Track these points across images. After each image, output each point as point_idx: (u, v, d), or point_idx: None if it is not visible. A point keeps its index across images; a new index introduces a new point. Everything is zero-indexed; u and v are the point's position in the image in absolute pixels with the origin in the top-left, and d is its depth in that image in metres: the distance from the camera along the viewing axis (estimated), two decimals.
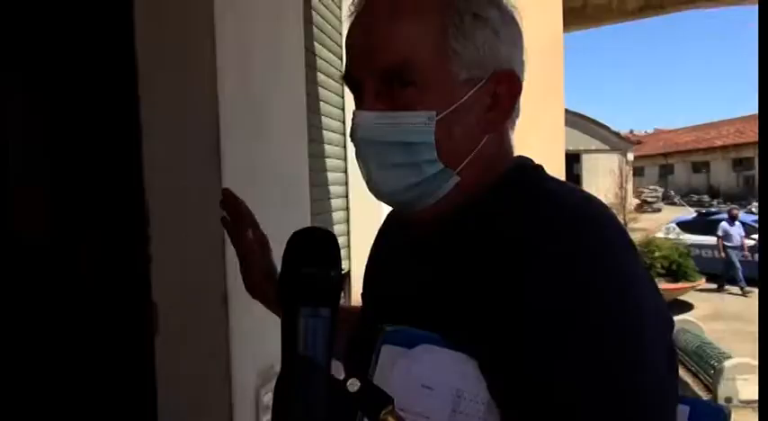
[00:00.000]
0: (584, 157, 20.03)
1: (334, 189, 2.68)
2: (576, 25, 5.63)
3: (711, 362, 5.16)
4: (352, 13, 0.64)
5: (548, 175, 0.65)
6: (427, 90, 0.60)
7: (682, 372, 4.62)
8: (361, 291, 0.78)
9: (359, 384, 0.44)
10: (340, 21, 2.74)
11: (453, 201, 0.62)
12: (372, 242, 0.81)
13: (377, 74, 0.60)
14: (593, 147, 20.26)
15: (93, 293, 1.39)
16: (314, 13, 2.32)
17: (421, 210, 0.63)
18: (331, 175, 2.60)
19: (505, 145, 0.66)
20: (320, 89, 2.42)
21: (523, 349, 0.51)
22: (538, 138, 3.85)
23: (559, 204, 0.58)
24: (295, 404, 0.42)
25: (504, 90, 0.62)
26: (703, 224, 11.01)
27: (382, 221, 0.81)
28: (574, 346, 0.50)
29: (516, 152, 0.67)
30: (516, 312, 0.51)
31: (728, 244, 9.52)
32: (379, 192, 0.63)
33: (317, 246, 0.48)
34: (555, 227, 0.54)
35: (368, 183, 0.63)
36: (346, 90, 2.61)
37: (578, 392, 0.49)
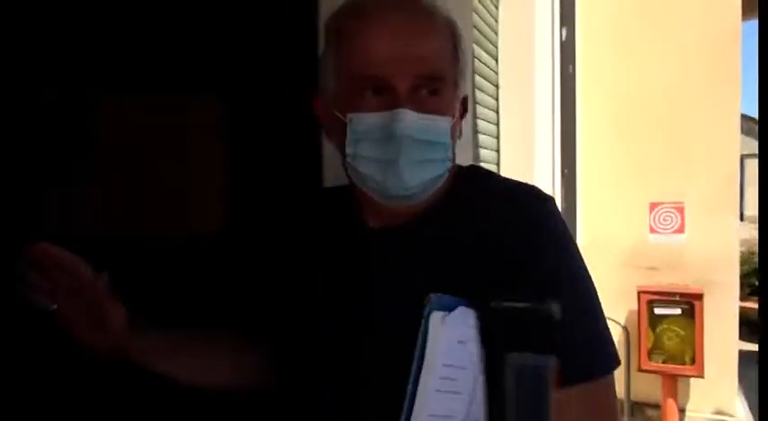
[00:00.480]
0: (747, 162, 17.92)
1: None
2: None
3: None
4: (362, 22, 0.71)
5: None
6: (446, 98, 0.73)
7: None
8: None
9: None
10: (497, 21, 2.67)
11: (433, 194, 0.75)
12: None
13: (413, 80, 0.70)
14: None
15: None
16: (474, 15, 2.28)
17: (413, 203, 0.74)
18: None
19: None
20: (477, 92, 2.38)
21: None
22: (707, 142, 3.47)
23: (526, 191, 0.78)
24: None
25: (461, 108, 0.78)
26: None
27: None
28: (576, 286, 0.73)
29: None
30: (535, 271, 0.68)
31: None
32: (401, 182, 0.70)
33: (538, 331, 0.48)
34: (536, 208, 0.75)
35: (390, 174, 0.70)
36: (501, 93, 2.53)
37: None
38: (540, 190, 0.77)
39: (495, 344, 0.47)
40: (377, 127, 0.70)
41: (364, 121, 0.71)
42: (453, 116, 0.73)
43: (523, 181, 0.79)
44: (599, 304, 0.74)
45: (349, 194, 0.80)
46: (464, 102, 0.79)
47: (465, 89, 0.78)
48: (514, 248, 0.70)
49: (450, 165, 0.73)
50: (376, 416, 0.68)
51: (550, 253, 0.71)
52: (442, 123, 0.71)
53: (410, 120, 0.68)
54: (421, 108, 0.70)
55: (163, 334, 0.82)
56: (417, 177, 0.70)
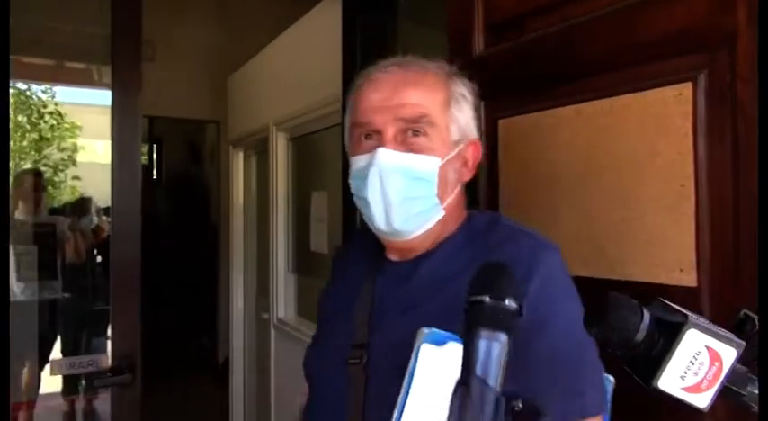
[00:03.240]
0: None
1: None
2: None
3: None
4: (366, 80, 0.83)
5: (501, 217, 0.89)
6: (433, 141, 0.79)
7: None
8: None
9: (521, 405, 0.48)
10: None
11: (435, 234, 0.82)
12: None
13: (399, 123, 0.78)
14: None
15: None
16: None
17: (410, 239, 0.81)
18: None
19: (464, 195, 0.88)
20: None
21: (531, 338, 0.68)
22: None
23: (532, 236, 0.81)
24: (470, 406, 0.47)
25: (470, 154, 0.85)
26: None
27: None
28: (557, 333, 0.73)
29: None
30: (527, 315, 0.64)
31: None
32: (389, 217, 0.78)
33: (501, 278, 0.54)
34: (540, 252, 0.76)
35: (377, 209, 0.78)
36: None
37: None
38: (543, 239, 0.80)
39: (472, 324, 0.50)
40: (364, 166, 0.79)
41: (356, 162, 0.81)
42: (443, 157, 0.79)
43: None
44: (593, 350, 0.74)
45: None
46: (473, 145, 0.85)
47: (474, 133, 0.85)
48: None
49: (436, 201, 0.79)
50: None
51: (541, 300, 0.71)
52: (425, 161, 0.78)
53: (389, 156, 0.76)
54: (403, 147, 0.78)
55: None
56: (402, 214, 0.78)
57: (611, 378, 0.80)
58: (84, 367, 1.70)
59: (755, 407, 0.55)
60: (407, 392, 0.68)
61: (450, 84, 0.83)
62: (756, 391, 0.54)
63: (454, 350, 0.66)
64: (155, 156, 6.86)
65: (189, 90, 4.39)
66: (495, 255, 0.72)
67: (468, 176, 0.86)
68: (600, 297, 0.63)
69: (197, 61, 4.41)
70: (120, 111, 1.76)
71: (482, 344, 0.49)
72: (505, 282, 0.53)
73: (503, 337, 0.49)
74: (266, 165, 3.08)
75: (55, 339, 3.21)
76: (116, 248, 1.72)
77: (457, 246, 0.82)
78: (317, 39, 2.43)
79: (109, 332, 3.22)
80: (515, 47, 1.17)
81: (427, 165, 0.78)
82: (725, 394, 0.55)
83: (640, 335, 0.55)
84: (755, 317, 0.57)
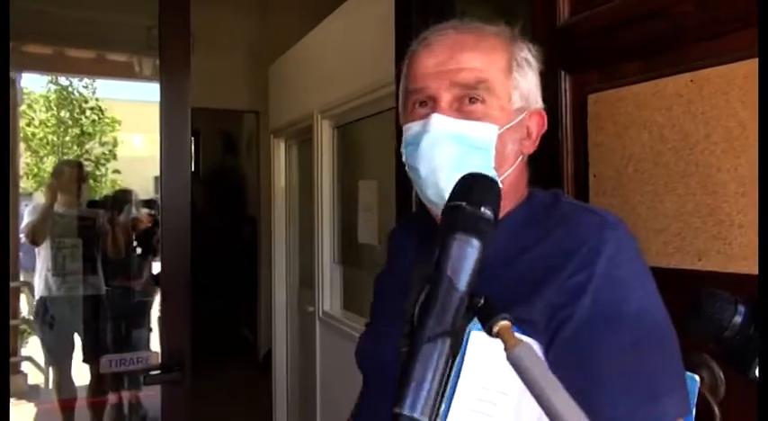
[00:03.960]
0: None
1: None
2: None
3: None
4: (420, 45, 0.78)
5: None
6: (492, 108, 0.74)
7: None
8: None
9: (482, 301, 0.49)
10: None
11: None
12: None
13: (455, 89, 0.73)
14: None
15: None
16: None
17: None
18: None
19: (526, 171, 0.81)
20: None
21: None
22: None
23: (597, 213, 0.74)
24: (435, 304, 0.48)
25: (534, 124, 0.79)
26: None
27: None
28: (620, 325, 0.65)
29: None
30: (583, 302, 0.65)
31: None
32: (437, 183, 0.72)
33: (482, 188, 0.55)
34: (603, 230, 0.69)
35: (427, 176, 0.73)
36: None
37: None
38: (608, 216, 0.72)
39: (449, 228, 0.51)
40: (416, 133, 0.75)
41: (409, 129, 0.77)
42: (502, 125, 0.74)
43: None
44: (662, 346, 0.65)
45: None
46: (538, 115, 0.80)
47: (538, 102, 0.80)
48: (570, 274, 0.66)
49: (493, 172, 0.73)
50: None
51: (609, 284, 0.65)
52: (482, 128, 0.73)
53: (443, 122, 0.72)
54: (459, 115, 0.73)
55: None
56: (450, 177, 0.70)
57: (697, 377, 0.72)
58: (134, 364, 1.65)
59: None
60: (455, 383, 0.63)
61: (512, 47, 0.77)
62: None
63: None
64: (192, 148, 6.93)
65: (229, 80, 4.35)
66: (555, 234, 0.70)
67: (530, 149, 0.80)
68: (701, 290, 0.62)
69: (237, 51, 4.36)
70: (168, 104, 1.71)
71: (455, 246, 0.49)
72: (485, 192, 0.54)
73: (475, 242, 0.50)
74: (309, 154, 3.00)
75: (104, 334, 3.20)
76: (166, 244, 1.66)
77: (517, 224, 0.76)
78: (365, 20, 2.34)
79: (153, 325, 3.23)
80: (606, 12, 1.05)
81: (484, 133, 0.73)
82: None
83: (734, 327, 0.55)
84: None
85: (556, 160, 1.13)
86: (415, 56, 0.78)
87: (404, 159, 0.77)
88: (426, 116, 0.74)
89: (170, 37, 1.69)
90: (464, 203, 0.52)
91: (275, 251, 3.68)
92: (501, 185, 0.69)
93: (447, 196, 0.67)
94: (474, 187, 0.54)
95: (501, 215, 0.72)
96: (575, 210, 0.76)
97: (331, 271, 2.87)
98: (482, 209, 0.52)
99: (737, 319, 0.55)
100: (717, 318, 0.57)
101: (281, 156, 3.66)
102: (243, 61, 4.39)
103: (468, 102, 0.73)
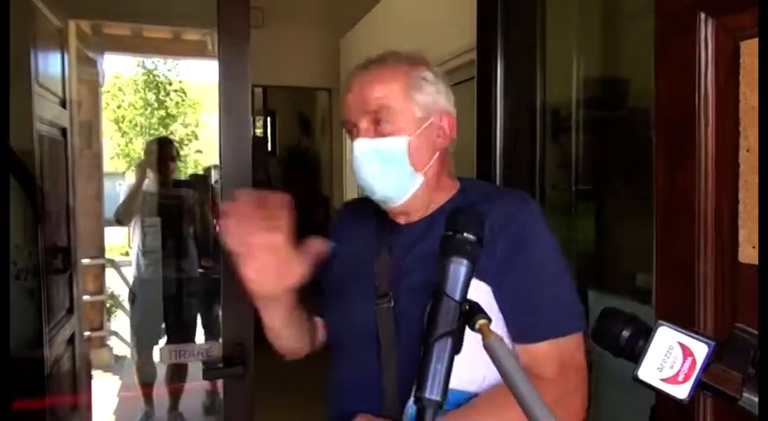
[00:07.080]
0: None
1: None
2: None
3: None
4: (345, 85, 1.01)
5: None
6: (398, 123, 0.95)
7: None
8: None
9: (468, 307, 0.64)
10: None
11: (424, 196, 0.98)
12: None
13: (367, 116, 0.95)
14: None
15: None
16: None
17: (402, 203, 0.97)
18: None
19: (449, 161, 1.02)
20: None
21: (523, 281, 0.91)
22: None
23: (512, 192, 1.04)
24: (439, 313, 0.64)
25: (445, 123, 0.99)
26: None
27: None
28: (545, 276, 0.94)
29: None
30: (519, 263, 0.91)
31: None
32: (373, 189, 0.96)
33: (465, 218, 0.70)
34: (519, 202, 0.97)
35: (366, 184, 0.97)
36: None
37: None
38: (521, 193, 1.01)
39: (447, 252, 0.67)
40: (353, 153, 0.97)
41: (351, 150, 0.98)
42: (411, 134, 0.95)
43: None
44: (568, 280, 0.95)
45: None
46: (441, 116, 0.98)
47: (441, 107, 0.98)
48: (502, 244, 0.90)
49: (410, 170, 0.95)
50: (394, 379, 0.92)
51: (522, 233, 0.92)
52: (392, 141, 0.94)
53: (362, 144, 0.95)
54: (375, 134, 0.95)
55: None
56: (382, 184, 0.95)
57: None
58: (195, 355, 1.56)
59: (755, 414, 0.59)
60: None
61: (410, 71, 0.96)
62: (755, 398, 0.57)
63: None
64: (268, 128, 6.96)
65: (300, 56, 4.24)
66: (482, 209, 0.86)
67: (446, 143, 0.99)
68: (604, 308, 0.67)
69: (306, 25, 4.23)
70: (227, 80, 1.59)
71: (451, 268, 0.65)
72: (467, 221, 0.69)
73: (465, 262, 0.65)
74: None
75: (194, 320, 3.16)
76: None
77: (457, 206, 0.96)
78: None
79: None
80: None
81: (395, 145, 0.94)
82: (720, 396, 0.58)
83: (622, 341, 0.62)
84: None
85: (687, 131, 0.88)
86: (343, 95, 1.00)
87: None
88: (354, 139, 0.97)
89: (228, 11, 1.57)
90: (452, 233, 0.67)
91: None
92: (423, 177, 0.96)
93: (380, 193, 0.96)
94: (459, 219, 0.69)
95: (439, 200, 0.99)
96: (497, 191, 1.13)
97: None
98: (465, 234, 0.67)
99: (625, 334, 0.62)
100: (605, 332, 0.64)
101: None
102: (314, 36, 4.26)
103: (379, 123, 0.94)
